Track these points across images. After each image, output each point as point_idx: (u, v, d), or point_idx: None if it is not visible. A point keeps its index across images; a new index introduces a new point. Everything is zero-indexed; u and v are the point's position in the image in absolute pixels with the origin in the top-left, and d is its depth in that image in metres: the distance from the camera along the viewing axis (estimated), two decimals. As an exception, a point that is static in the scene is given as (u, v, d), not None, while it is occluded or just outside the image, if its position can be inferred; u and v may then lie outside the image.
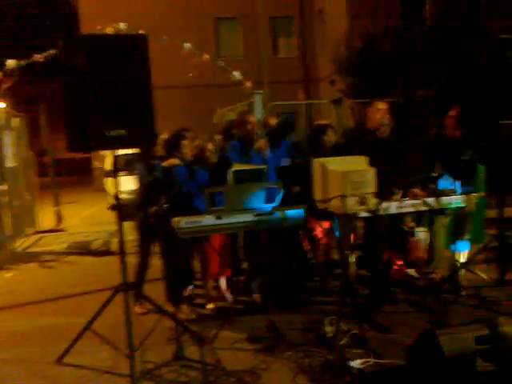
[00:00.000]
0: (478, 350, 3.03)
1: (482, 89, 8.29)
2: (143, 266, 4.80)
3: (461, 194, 4.26)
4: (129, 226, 4.53)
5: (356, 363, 3.40)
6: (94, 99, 3.15)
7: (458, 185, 4.26)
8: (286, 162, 5.03)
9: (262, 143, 4.78)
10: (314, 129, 5.46)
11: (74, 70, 3.09)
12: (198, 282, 5.07)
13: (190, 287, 5.05)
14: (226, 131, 5.88)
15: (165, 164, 4.52)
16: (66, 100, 3.12)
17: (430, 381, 3.06)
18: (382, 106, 4.65)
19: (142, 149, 4.77)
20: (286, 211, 4.03)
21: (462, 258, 4.89)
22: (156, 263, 4.84)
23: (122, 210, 3.52)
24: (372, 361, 3.45)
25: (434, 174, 4.14)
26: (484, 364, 3.04)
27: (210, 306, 4.74)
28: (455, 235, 4.96)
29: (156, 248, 4.81)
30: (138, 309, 4.58)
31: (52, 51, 7.33)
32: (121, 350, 3.40)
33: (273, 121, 5.29)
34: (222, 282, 4.90)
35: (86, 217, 11.57)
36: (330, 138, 4.93)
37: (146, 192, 4.59)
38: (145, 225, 4.63)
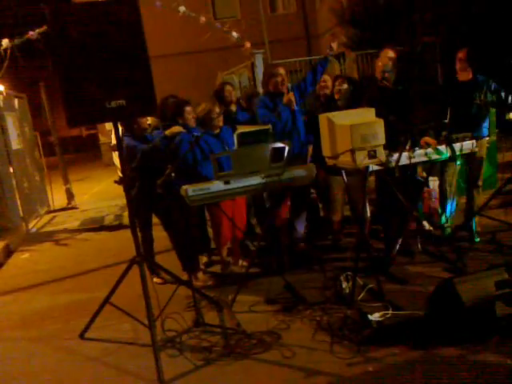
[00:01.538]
0: (498, 294, 3.01)
1: (492, 29, 8.03)
2: (148, 239, 4.75)
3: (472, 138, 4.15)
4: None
5: (375, 317, 3.40)
6: (89, 70, 3.06)
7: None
8: None
9: (290, 96, 4.62)
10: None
11: (64, 41, 2.99)
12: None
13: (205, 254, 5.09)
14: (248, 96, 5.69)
15: (167, 132, 4.43)
16: (60, 73, 3.03)
17: (449, 330, 3.06)
18: (390, 53, 4.50)
19: (126, 122, 4.56)
20: (295, 171, 3.97)
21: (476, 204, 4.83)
22: (159, 235, 4.84)
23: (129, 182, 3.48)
24: (390, 313, 3.45)
25: (444, 121, 4.01)
26: (504, 308, 3.02)
27: (227, 270, 4.75)
28: (468, 182, 4.88)
29: (155, 219, 4.78)
30: (156, 280, 4.61)
31: (46, 27, 7.16)
32: (141, 321, 3.43)
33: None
34: (236, 247, 4.89)
35: (96, 193, 11.60)
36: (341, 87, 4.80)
37: (145, 162, 4.44)
38: (141, 197, 4.50)
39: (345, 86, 4.83)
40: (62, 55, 3.05)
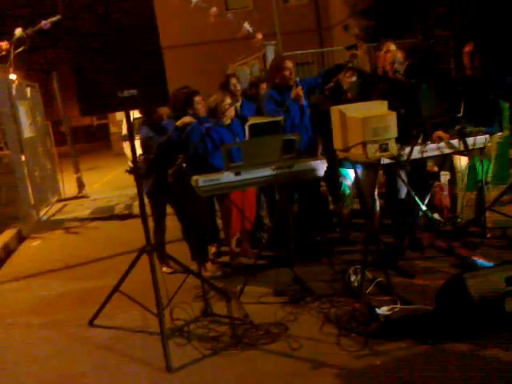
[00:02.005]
0: (508, 290, 2.99)
1: (505, 23, 7.92)
2: (160, 228, 4.76)
3: (485, 133, 4.11)
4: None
5: (383, 310, 3.40)
6: (101, 60, 3.08)
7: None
8: None
9: (299, 90, 4.58)
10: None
11: (76, 30, 3.00)
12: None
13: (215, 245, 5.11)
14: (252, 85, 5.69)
15: (178, 123, 4.43)
16: (73, 63, 3.05)
17: (458, 325, 3.05)
18: (392, 46, 4.47)
19: (146, 111, 4.59)
20: (306, 163, 3.96)
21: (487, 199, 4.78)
22: (170, 224, 4.85)
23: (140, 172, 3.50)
24: (399, 307, 3.44)
25: (458, 115, 3.96)
26: (514, 304, 3.01)
27: (234, 261, 4.77)
28: (479, 177, 4.83)
29: (169, 209, 4.79)
30: (165, 269, 4.64)
31: (58, 17, 7.18)
32: (150, 310, 3.46)
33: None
34: (245, 238, 4.90)
35: (107, 182, 11.68)
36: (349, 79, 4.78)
37: (160, 153, 4.40)
38: (157, 187, 4.50)
39: (354, 78, 4.79)
40: (74, 45, 3.06)
